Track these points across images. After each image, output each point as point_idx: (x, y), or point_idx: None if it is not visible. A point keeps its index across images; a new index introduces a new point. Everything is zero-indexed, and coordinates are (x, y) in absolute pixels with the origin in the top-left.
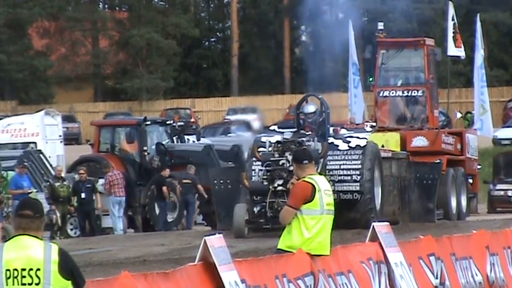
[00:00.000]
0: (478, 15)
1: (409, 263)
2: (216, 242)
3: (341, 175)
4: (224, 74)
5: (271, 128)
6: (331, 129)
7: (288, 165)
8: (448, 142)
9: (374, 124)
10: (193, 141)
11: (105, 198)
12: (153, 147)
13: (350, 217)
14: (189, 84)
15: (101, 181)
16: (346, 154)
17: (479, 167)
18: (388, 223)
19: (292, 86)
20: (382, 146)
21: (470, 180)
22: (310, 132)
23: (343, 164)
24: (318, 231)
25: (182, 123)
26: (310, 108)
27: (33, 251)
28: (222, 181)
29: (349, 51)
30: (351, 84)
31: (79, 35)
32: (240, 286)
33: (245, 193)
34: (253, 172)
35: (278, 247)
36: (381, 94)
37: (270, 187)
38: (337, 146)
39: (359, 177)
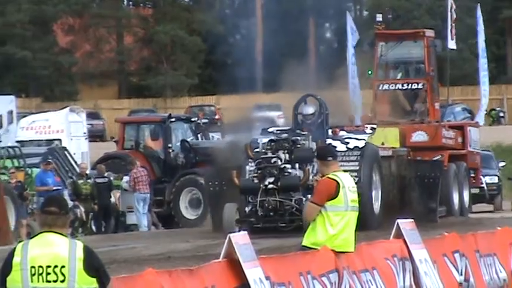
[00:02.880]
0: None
1: (434, 260)
2: (241, 239)
3: None
4: (248, 70)
5: (270, 129)
6: (329, 130)
7: (280, 163)
8: (449, 136)
9: (374, 126)
10: (218, 138)
11: (130, 195)
12: (178, 144)
13: None
14: (214, 81)
15: (126, 178)
16: (344, 155)
17: (503, 164)
18: (412, 220)
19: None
20: (382, 144)
21: (473, 174)
22: (306, 132)
23: (341, 166)
24: (343, 227)
25: (207, 120)
26: (309, 109)
27: (58, 248)
28: (216, 182)
29: (347, 40)
30: (349, 75)
31: (103, 31)
32: (265, 283)
33: (236, 192)
34: (245, 171)
35: (302, 244)
36: (380, 87)
37: (261, 185)
38: (335, 147)
39: (357, 178)
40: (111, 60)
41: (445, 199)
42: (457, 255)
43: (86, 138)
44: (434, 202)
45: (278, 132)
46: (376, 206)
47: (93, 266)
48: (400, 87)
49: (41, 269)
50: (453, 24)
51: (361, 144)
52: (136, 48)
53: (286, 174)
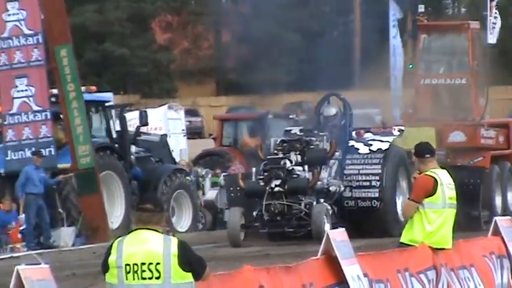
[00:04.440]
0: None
1: None
2: (339, 236)
3: (359, 180)
4: (346, 67)
5: (293, 131)
6: (353, 132)
7: (289, 164)
8: (488, 136)
9: (402, 128)
10: None
11: None
12: None
13: (369, 226)
14: (311, 77)
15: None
16: (366, 158)
17: None
18: (510, 218)
19: None
20: None
21: None
22: (324, 133)
23: (362, 169)
24: (440, 224)
25: (304, 117)
26: (330, 111)
27: (152, 245)
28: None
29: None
30: (391, 67)
31: (201, 28)
32: (363, 280)
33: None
34: (252, 173)
35: (400, 241)
36: (421, 82)
37: (267, 188)
38: (358, 149)
39: (378, 182)
40: (209, 57)
41: (487, 203)
42: None
43: (184, 135)
44: (477, 210)
45: (299, 133)
46: (401, 212)
47: (188, 260)
48: (443, 82)
49: (136, 267)
50: (494, 18)
51: (384, 146)
52: (234, 45)
53: (294, 176)
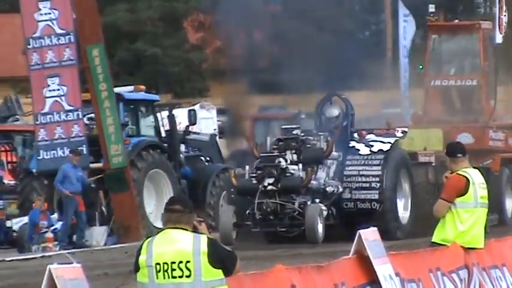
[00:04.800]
0: None
1: None
2: (371, 235)
3: (359, 182)
4: (377, 67)
5: (294, 131)
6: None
7: (283, 163)
8: (497, 138)
9: (406, 130)
10: None
11: None
12: None
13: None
14: (342, 77)
15: None
16: (367, 159)
17: None
18: None
19: None
20: (424, 149)
21: None
22: (323, 132)
23: (363, 170)
24: (472, 224)
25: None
26: (333, 112)
27: (182, 244)
28: None
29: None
30: (401, 69)
31: (234, 27)
32: (394, 279)
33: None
34: (246, 171)
35: (432, 240)
36: (431, 83)
37: (260, 186)
38: (358, 150)
39: (378, 184)
40: (241, 56)
41: (497, 207)
42: None
43: (216, 135)
44: None
45: (300, 133)
46: (405, 215)
47: (218, 257)
48: (453, 83)
49: (166, 266)
50: (503, 16)
51: (386, 147)
52: (266, 44)
53: (288, 175)
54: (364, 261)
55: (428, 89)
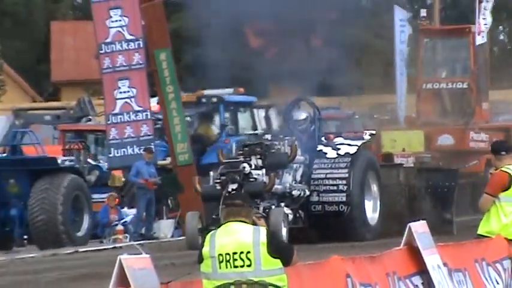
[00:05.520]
0: None
1: None
2: (420, 228)
3: (327, 185)
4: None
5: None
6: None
7: (247, 169)
8: (479, 139)
9: (374, 132)
10: None
11: None
12: None
13: (337, 231)
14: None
15: None
16: (334, 162)
17: None
18: None
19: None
20: (403, 150)
21: None
22: (288, 137)
23: (330, 173)
24: None
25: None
26: (300, 115)
27: (242, 235)
28: None
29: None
30: (397, 72)
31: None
32: (442, 269)
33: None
34: (210, 177)
35: (478, 233)
36: (423, 86)
37: (223, 192)
38: (326, 153)
39: (346, 187)
40: (300, 61)
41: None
42: None
43: None
44: (450, 213)
45: (269, 139)
46: (373, 216)
47: (276, 248)
48: (445, 86)
49: (228, 256)
50: (482, 19)
51: (352, 150)
52: (324, 49)
53: (251, 180)
54: (413, 252)
55: (420, 92)
